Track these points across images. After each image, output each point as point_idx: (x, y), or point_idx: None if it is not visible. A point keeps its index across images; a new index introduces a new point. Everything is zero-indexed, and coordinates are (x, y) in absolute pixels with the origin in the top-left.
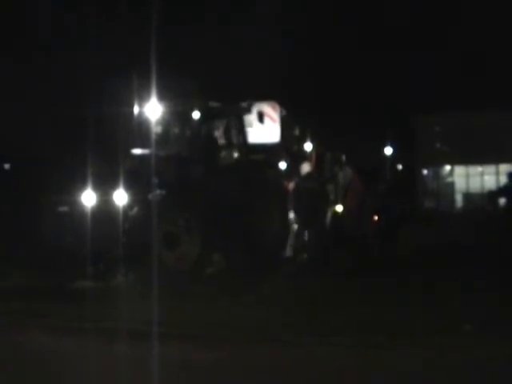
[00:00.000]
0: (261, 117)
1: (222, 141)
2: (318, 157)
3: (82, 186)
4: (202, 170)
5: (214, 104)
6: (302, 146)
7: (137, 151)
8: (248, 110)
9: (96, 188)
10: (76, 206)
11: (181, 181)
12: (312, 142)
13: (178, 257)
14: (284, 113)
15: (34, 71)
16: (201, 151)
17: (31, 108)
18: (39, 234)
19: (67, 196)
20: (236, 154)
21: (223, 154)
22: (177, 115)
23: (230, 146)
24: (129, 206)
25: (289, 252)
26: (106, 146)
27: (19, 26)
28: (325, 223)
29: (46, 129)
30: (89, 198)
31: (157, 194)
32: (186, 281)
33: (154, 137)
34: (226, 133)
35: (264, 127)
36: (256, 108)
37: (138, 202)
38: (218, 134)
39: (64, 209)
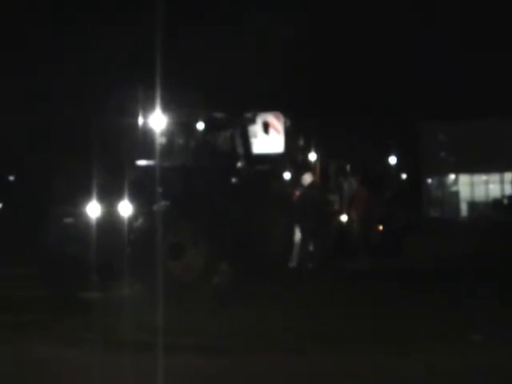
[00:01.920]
0: (266, 127)
1: (226, 151)
2: (322, 167)
3: (87, 197)
4: (206, 181)
5: (218, 115)
6: (307, 156)
7: (141, 162)
8: (253, 121)
9: (101, 199)
10: (81, 217)
11: (186, 192)
12: (316, 152)
13: (183, 267)
14: (288, 123)
15: (37, 84)
16: (205, 162)
17: (35, 120)
18: (44, 244)
19: (73, 207)
20: (241, 165)
21: (228, 164)
22: (181, 126)
23: (234, 156)
24: (134, 217)
25: (294, 262)
26: (110, 158)
27: (21, 38)
28: (330, 233)
29: (50, 140)
30: (94, 210)
31: (162, 204)
32: (191, 291)
33: (158, 148)
34: (231, 143)
35: (268, 138)
36: (261, 118)
37: (143, 214)
38: (223, 144)
39: (70, 220)
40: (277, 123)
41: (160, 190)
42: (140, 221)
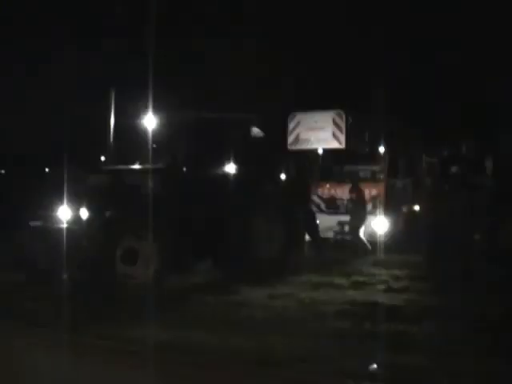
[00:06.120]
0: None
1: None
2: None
3: (54, 202)
4: (160, 184)
5: (209, 115)
6: (376, 150)
7: (103, 168)
8: (251, 122)
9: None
10: (46, 222)
11: (138, 197)
12: (385, 145)
13: (137, 272)
14: (351, 120)
15: (12, 87)
16: (182, 164)
17: (8, 121)
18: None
19: (39, 211)
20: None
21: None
22: (171, 127)
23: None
24: (90, 223)
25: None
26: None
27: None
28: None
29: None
30: (60, 215)
31: (117, 210)
32: (147, 296)
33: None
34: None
35: (330, 135)
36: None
37: (96, 220)
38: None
39: (36, 224)
40: (339, 121)
41: (118, 195)
42: (94, 227)
